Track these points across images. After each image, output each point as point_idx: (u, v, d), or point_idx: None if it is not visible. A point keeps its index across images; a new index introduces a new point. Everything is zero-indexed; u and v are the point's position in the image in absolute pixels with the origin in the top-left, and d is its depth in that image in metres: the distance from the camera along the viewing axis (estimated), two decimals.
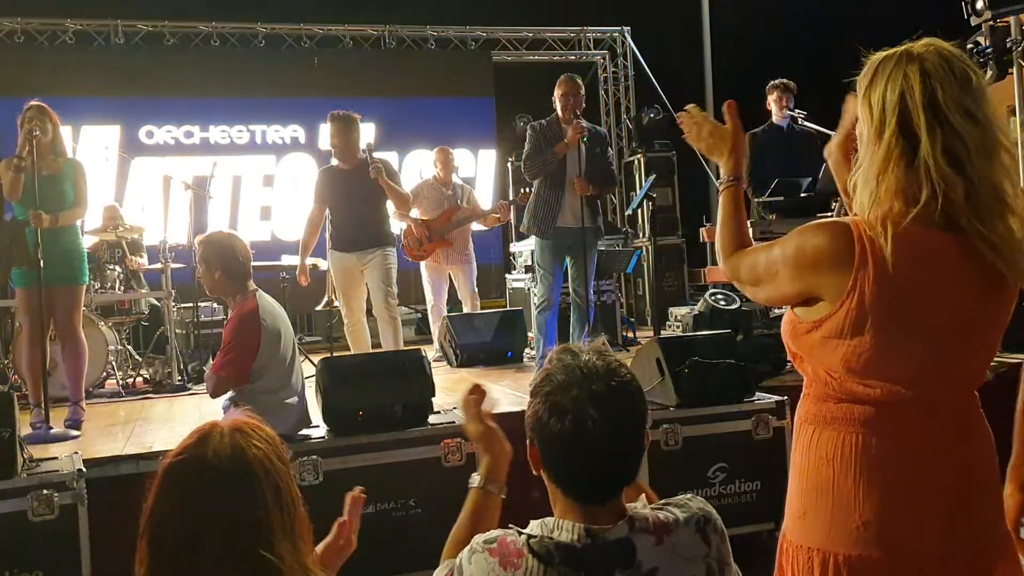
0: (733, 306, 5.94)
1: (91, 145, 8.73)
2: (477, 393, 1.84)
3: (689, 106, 1.94)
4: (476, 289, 7.14)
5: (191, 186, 6.71)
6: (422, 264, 7.02)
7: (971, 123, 1.48)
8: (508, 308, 7.64)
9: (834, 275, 1.51)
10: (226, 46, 9.46)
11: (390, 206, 5.82)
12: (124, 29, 9.14)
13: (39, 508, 3.08)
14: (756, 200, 5.69)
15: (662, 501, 1.57)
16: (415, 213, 6.85)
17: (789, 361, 1.75)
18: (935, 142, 1.48)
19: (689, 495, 1.59)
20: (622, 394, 1.48)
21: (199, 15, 9.32)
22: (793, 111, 5.81)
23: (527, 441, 1.53)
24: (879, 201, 1.51)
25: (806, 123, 5.82)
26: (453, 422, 3.72)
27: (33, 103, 4.65)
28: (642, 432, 1.51)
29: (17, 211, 4.63)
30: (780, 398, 3.97)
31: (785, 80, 5.96)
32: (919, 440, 1.53)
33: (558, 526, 1.45)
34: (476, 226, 7.37)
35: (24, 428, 4.22)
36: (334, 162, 5.85)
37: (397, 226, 6.93)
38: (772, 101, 5.93)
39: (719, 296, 6.10)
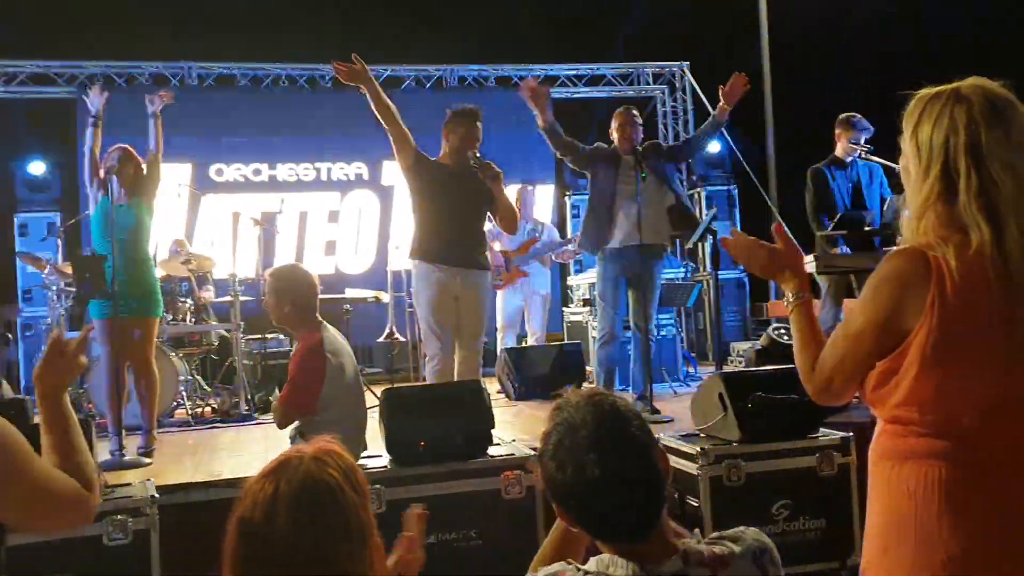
0: (794, 347, 5.86)
1: (164, 182, 9.02)
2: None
3: (732, 230, 1.94)
4: (546, 322, 7.24)
5: (259, 222, 6.90)
6: (499, 294, 7.14)
7: (1008, 173, 1.52)
8: (567, 341, 7.68)
9: (915, 293, 1.54)
10: (294, 87, 9.74)
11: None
12: (198, 71, 9.48)
13: (114, 532, 3.17)
14: (819, 234, 5.64)
15: (716, 534, 1.55)
16: (496, 247, 7.00)
17: (856, 396, 1.74)
18: (971, 187, 1.53)
19: (743, 527, 1.57)
20: (614, 429, 1.47)
21: (269, 57, 9.62)
22: (858, 144, 5.76)
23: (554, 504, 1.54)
24: (921, 235, 1.57)
25: (871, 157, 5.77)
26: (512, 454, 3.75)
27: (117, 145, 4.89)
28: (649, 457, 1.48)
29: (96, 245, 4.82)
30: (846, 434, 3.90)
31: (851, 114, 5.91)
32: (1006, 471, 1.52)
33: (613, 562, 1.45)
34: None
35: (102, 455, 4.37)
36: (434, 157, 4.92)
37: None
38: (838, 135, 5.89)
39: (782, 330, 6.04)
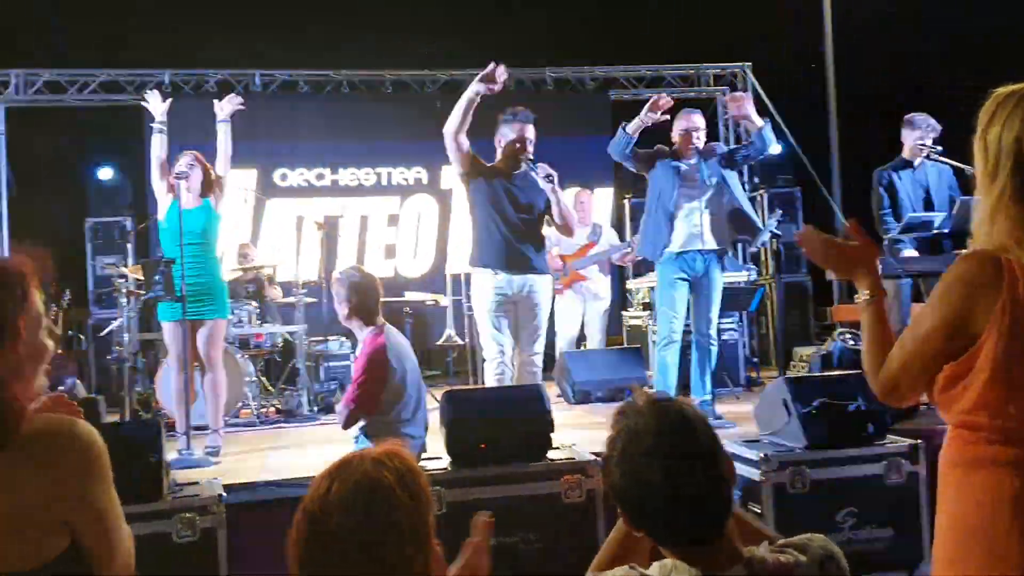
0: (863, 345, 5.75)
1: (231, 186, 9.22)
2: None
3: (804, 227, 1.89)
4: (605, 326, 7.20)
5: (322, 225, 7.00)
6: (557, 298, 7.11)
7: None
8: (626, 345, 7.64)
9: (985, 297, 1.51)
10: (355, 93, 9.86)
11: None
12: (261, 78, 9.66)
13: (183, 530, 3.24)
14: (887, 237, 5.51)
15: (782, 542, 1.54)
16: (555, 251, 6.98)
17: (925, 404, 1.71)
18: None
19: (809, 535, 1.55)
20: (680, 435, 1.46)
21: (331, 64, 9.76)
22: (925, 145, 5.62)
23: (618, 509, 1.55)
24: (992, 237, 1.54)
25: (939, 157, 5.62)
26: (572, 458, 3.74)
27: (187, 151, 5.00)
28: (715, 462, 1.48)
29: (165, 249, 4.94)
30: (914, 442, 3.82)
31: (916, 113, 5.78)
32: None
33: (676, 568, 1.44)
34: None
35: (171, 454, 4.48)
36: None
37: None
38: (905, 135, 5.75)
39: (848, 335, 5.92)
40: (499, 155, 4.90)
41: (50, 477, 1.49)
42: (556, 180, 4.74)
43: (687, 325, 5.55)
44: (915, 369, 1.62)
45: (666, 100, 5.19)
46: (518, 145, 4.79)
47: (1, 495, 1.42)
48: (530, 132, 4.82)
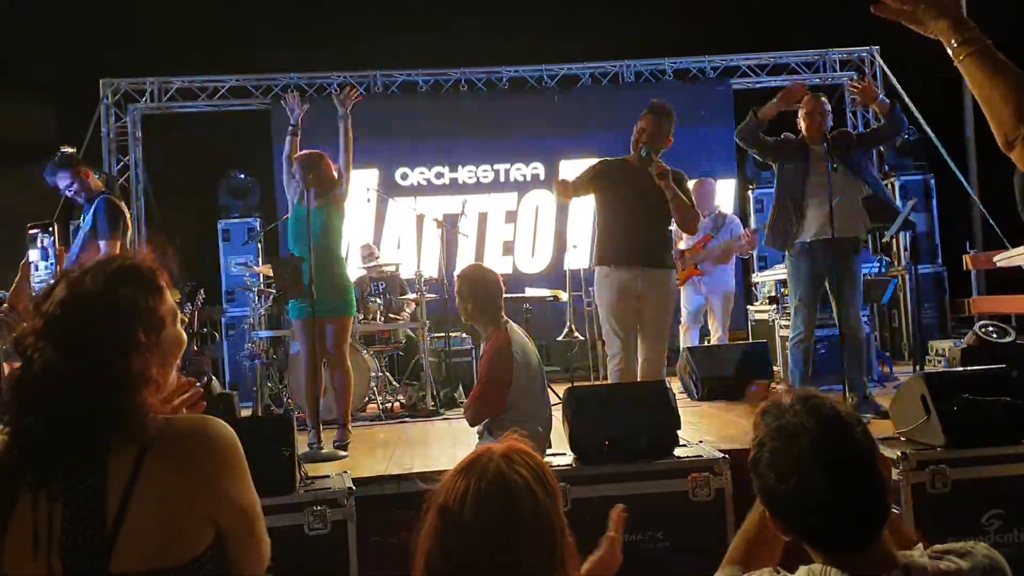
0: (1007, 339, 5.43)
1: (354, 186, 9.46)
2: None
3: None
4: (728, 321, 7.05)
5: (442, 223, 7.09)
6: (681, 291, 7.02)
7: None
8: (752, 340, 7.45)
9: None
10: (473, 90, 9.95)
11: None
12: (382, 78, 9.88)
13: (314, 523, 3.32)
14: None
15: (940, 548, 1.46)
16: (681, 245, 6.90)
17: None
18: None
19: (972, 542, 1.47)
20: (839, 437, 1.40)
21: (450, 63, 9.88)
22: None
23: (767, 513, 1.49)
24: None
25: None
26: (700, 456, 3.66)
27: (306, 151, 5.14)
28: (875, 465, 1.41)
29: (292, 248, 5.09)
30: None
31: None
32: None
33: (825, 573, 1.39)
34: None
35: (302, 447, 4.62)
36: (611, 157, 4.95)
37: None
38: None
39: (991, 328, 5.60)
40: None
41: (191, 476, 1.52)
42: (669, 175, 4.62)
43: (828, 319, 5.33)
44: None
45: (800, 87, 5.04)
46: (638, 133, 4.75)
47: (148, 496, 1.47)
48: (648, 123, 4.75)
